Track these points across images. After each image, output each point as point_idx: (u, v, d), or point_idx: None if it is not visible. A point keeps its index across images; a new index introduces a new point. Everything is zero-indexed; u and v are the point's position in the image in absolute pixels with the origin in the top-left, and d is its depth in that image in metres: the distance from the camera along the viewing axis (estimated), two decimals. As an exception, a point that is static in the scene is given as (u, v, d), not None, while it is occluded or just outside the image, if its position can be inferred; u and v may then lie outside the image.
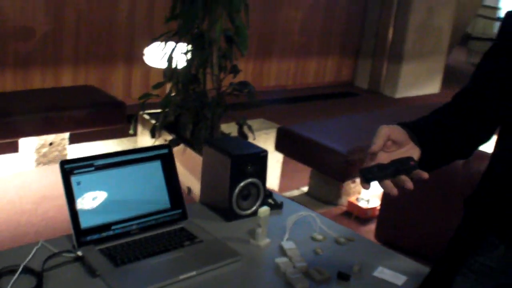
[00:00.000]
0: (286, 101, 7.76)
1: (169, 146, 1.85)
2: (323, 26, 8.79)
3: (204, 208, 1.99)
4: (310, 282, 1.56)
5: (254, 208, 1.94)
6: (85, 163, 1.67)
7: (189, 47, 3.75)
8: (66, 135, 4.28)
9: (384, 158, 1.24)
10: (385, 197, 3.33)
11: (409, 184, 1.20)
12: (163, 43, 3.92)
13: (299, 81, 8.73)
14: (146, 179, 1.79)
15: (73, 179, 1.64)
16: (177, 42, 3.77)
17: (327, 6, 8.71)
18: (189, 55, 3.76)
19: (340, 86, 9.15)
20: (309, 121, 4.52)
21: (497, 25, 22.37)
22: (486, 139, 1.44)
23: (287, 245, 1.74)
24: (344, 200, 3.96)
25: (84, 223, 1.63)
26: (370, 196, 3.87)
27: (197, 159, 3.58)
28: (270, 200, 2.03)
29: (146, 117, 4.31)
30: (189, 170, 3.68)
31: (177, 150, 3.71)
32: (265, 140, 4.23)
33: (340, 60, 9.29)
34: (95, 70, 6.05)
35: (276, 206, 2.02)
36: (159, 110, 4.34)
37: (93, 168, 1.68)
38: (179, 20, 3.70)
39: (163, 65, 4.42)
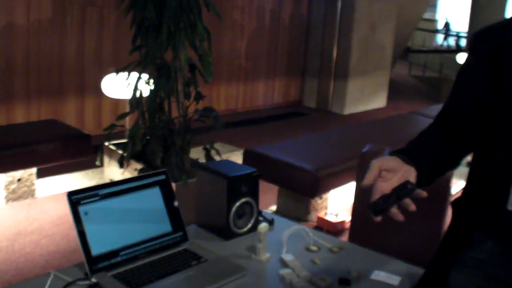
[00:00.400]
0: (239, 124, 7.89)
1: (165, 172, 1.94)
2: (268, 49, 9.01)
3: (199, 230, 2.07)
4: (315, 289, 1.67)
5: (249, 226, 2.04)
6: (90, 193, 1.73)
7: (151, 76, 3.82)
8: (34, 170, 4.28)
9: (385, 187, 1.36)
10: (355, 210, 3.45)
11: (412, 207, 1.34)
12: (119, 74, 3.99)
13: (249, 104, 8.89)
14: (147, 205, 1.86)
15: (81, 209, 1.70)
16: (140, 72, 3.84)
17: (271, 29, 8.93)
18: (152, 84, 3.83)
19: (289, 107, 9.35)
20: (273, 142, 4.65)
21: (435, 37, 23.19)
22: (470, 150, 1.60)
23: (287, 257, 1.85)
24: (313, 216, 4.09)
25: (95, 251, 1.69)
26: (338, 210, 4.01)
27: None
28: (260, 218, 2.13)
29: (112, 147, 4.35)
30: (162, 197, 3.73)
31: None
32: (229, 163, 4.31)
33: (287, 81, 9.50)
34: (47, 104, 6.05)
35: (269, 223, 2.12)
36: (123, 141, 4.39)
37: (98, 198, 1.75)
38: (142, 51, 3.77)
39: (121, 95, 4.49)
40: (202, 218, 2.09)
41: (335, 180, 3.92)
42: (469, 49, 1.62)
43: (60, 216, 4.00)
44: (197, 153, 4.25)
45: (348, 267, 1.81)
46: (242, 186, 2.00)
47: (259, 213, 2.14)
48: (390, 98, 10.06)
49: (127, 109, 4.57)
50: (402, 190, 1.34)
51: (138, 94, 3.80)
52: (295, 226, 2.09)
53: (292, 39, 9.32)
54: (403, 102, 10.38)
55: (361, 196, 2.96)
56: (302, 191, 3.91)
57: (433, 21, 23.84)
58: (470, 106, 1.55)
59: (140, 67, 3.82)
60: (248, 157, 4.15)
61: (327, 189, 3.98)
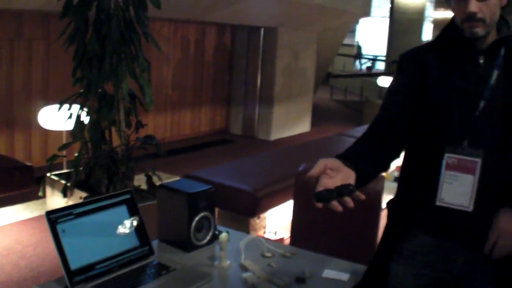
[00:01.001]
0: (168, 154, 7.98)
1: (130, 191, 2.11)
2: (194, 78, 9.22)
3: (162, 244, 2.24)
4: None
5: (208, 238, 2.24)
6: (65, 212, 1.88)
7: (93, 107, 3.94)
8: (-23, 203, 4.30)
9: (329, 183, 1.57)
10: (294, 226, 3.68)
11: (351, 204, 1.54)
12: (57, 105, 4.09)
13: (176, 133, 9.03)
14: (116, 222, 2.03)
15: (59, 227, 1.85)
16: (81, 103, 3.95)
17: (195, 59, 9.15)
18: (94, 115, 3.96)
19: (216, 134, 9.51)
20: (205, 168, 4.82)
21: (355, 61, 24.15)
22: (398, 154, 1.87)
23: (247, 263, 2.05)
24: (252, 235, 4.28)
25: (73, 265, 1.84)
26: (276, 228, 4.23)
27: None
28: (217, 231, 2.33)
29: (55, 178, 4.42)
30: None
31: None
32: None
33: (213, 109, 9.69)
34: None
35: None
36: (64, 171, 4.47)
37: (73, 216, 1.90)
38: (84, 82, 3.88)
39: (57, 127, 4.58)
40: (164, 234, 2.27)
41: (273, 200, 4.15)
42: (397, 68, 1.90)
43: (7, 247, 4.03)
44: (137, 181, 4.38)
45: (301, 268, 2.03)
46: (200, 201, 2.20)
47: (215, 226, 2.33)
48: (314, 122, 10.44)
49: (64, 140, 4.67)
50: (344, 189, 1.56)
51: (80, 124, 3.92)
52: (249, 236, 2.30)
53: (216, 68, 9.56)
54: (326, 126, 10.80)
55: (300, 212, 3.20)
56: (242, 211, 4.11)
57: (352, 46, 24.77)
58: (399, 118, 1.82)
59: (81, 98, 3.93)
60: (189, 181, 4.30)
61: (266, 208, 4.19)
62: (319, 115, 10.95)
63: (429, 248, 1.79)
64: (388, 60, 19.55)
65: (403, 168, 1.91)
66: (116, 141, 4.10)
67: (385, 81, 10.56)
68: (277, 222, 4.57)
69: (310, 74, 10.16)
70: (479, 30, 1.68)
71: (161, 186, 2.26)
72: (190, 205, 2.16)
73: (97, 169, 3.87)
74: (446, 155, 1.72)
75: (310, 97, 10.30)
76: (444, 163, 1.72)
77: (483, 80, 1.71)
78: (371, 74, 19.64)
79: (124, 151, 3.96)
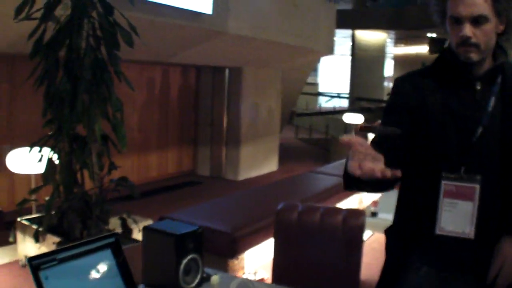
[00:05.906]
0: (133, 197, 7.80)
1: (115, 235, 2.02)
2: (160, 120, 9.13)
3: (147, 289, 2.15)
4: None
5: (196, 281, 2.15)
6: (48, 257, 1.78)
7: (64, 149, 3.84)
8: None
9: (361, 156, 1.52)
10: (276, 266, 3.57)
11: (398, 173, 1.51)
12: (26, 148, 3.97)
13: (143, 176, 8.89)
14: (101, 267, 1.93)
15: (41, 274, 1.74)
16: (53, 146, 3.83)
17: (161, 101, 9.09)
18: (65, 157, 3.84)
19: (183, 176, 9.39)
20: (188, 207, 4.72)
21: (317, 99, 24.52)
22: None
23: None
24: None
25: (57, 314, 1.74)
26: (256, 269, 4.14)
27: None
28: (204, 275, 2.25)
29: (26, 223, 4.26)
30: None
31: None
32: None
33: (180, 151, 9.59)
34: None
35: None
36: (35, 215, 4.33)
37: (56, 262, 1.80)
38: (55, 124, 3.76)
39: (25, 170, 4.43)
40: (150, 278, 2.17)
41: (252, 239, 4.07)
42: (392, 91, 1.87)
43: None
44: (110, 224, 4.24)
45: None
46: (188, 243, 2.12)
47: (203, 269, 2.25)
48: (281, 161, 10.42)
49: (33, 184, 4.52)
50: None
51: (52, 167, 3.79)
52: (239, 279, 2.22)
53: (182, 109, 9.49)
54: (293, 165, 10.80)
55: (281, 251, 3.12)
56: (219, 252, 4.02)
57: (315, 84, 25.10)
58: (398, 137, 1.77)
59: (52, 140, 3.81)
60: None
61: (244, 248, 4.11)
62: (285, 154, 10.95)
63: (432, 280, 1.74)
64: (352, 97, 19.97)
65: (400, 196, 1.86)
66: (88, 184, 3.98)
67: (350, 118, 10.62)
68: (256, 262, 4.48)
69: (276, 113, 10.18)
70: (473, 55, 1.67)
71: (146, 228, 2.17)
72: (177, 247, 2.08)
73: (70, 213, 3.75)
74: (443, 182, 1.69)
75: (277, 136, 10.30)
76: (442, 190, 1.69)
77: (480, 106, 1.70)
78: (336, 111, 19.87)
79: (98, 194, 3.85)
